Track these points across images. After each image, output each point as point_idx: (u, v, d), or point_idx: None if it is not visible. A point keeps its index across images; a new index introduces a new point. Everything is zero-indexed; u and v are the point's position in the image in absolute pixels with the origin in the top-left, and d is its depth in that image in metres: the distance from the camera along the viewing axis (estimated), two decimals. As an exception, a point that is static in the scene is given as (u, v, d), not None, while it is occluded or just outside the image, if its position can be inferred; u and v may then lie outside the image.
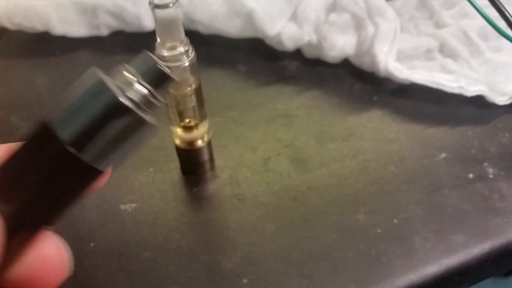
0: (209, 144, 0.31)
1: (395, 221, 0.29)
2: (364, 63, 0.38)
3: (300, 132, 0.35)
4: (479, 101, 0.36)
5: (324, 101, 0.37)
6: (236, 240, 0.28)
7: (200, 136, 0.30)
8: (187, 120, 0.29)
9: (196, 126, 0.30)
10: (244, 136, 0.35)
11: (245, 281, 0.26)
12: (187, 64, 0.27)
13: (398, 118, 0.35)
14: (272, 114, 0.36)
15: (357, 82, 0.38)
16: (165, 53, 0.26)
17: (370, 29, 0.36)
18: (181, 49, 0.26)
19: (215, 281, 0.26)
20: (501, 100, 0.36)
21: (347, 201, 0.30)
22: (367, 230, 0.29)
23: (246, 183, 0.32)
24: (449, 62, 0.37)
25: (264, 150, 0.34)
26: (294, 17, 0.38)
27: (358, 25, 0.37)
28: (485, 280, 0.93)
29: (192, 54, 0.27)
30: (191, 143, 0.30)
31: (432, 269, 0.27)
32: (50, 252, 0.18)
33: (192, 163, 0.32)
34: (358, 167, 0.32)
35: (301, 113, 0.36)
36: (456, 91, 0.35)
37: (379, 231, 0.28)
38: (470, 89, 0.35)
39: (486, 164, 0.32)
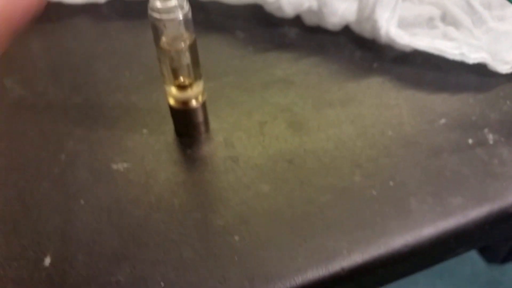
0: (203, 105, 0.31)
1: (391, 183, 0.28)
2: (365, 30, 0.37)
3: (297, 97, 0.34)
4: (481, 70, 0.35)
5: (323, 67, 0.36)
6: (229, 200, 0.28)
7: (195, 96, 0.30)
8: (181, 79, 0.29)
9: (190, 85, 0.29)
10: (240, 100, 0.34)
11: (236, 238, 0.26)
12: (181, 17, 0.26)
13: (398, 84, 0.35)
14: (269, 79, 0.35)
15: (357, 49, 0.37)
16: (159, 4, 0.25)
17: (371, -6, 0.35)
18: (175, 1, 0.26)
19: (206, 238, 0.26)
20: (503, 68, 0.35)
21: (343, 164, 0.30)
22: (362, 192, 0.28)
23: (241, 145, 0.31)
24: (451, 30, 0.36)
25: (260, 115, 0.33)
26: (294, -18, 0.38)
27: (359, -10, 0.36)
28: (481, 265, 0.92)
29: (187, 7, 0.26)
30: (185, 103, 0.30)
31: (429, 230, 0.26)
32: None
33: (186, 124, 0.31)
34: (356, 132, 0.31)
35: (300, 79, 0.35)
36: (457, 58, 0.34)
37: (374, 193, 0.28)
38: (472, 56, 0.34)
39: (486, 130, 0.31)
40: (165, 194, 0.28)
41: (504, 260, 1.07)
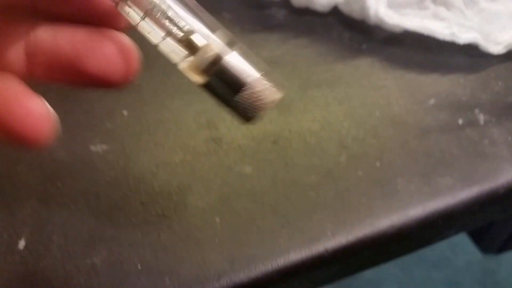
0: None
1: (378, 164, 0.27)
2: (354, 11, 0.36)
3: (284, 78, 0.33)
4: (472, 50, 0.34)
5: (311, 49, 0.35)
6: (210, 181, 0.27)
7: None
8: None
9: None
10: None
11: (217, 220, 0.25)
12: None
13: (388, 66, 0.34)
14: (255, 61, 0.34)
15: (346, 31, 0.36)
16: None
17: (360, -27, 0.35)
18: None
19: (185, 220, 0.25)
20: (495, 49, 0.34)
21: (329, 145, 0.29)
22: (348, 173, 0.27)
23: (224, 127, 0.30)
24: (441, 11, 0.35)
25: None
26: (281, -38, 0.37)
27: (348, -31, 0.35)
28: (476, 255, 0.92)
29: None
30: None
31: (416, 211, 0.25)
32: None
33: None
34: (343, 112, 0.31)
35: (286, 60, 0.34)
36: (448, 38, 0.33)
37: (360, 173, 0.27)
38: (463, 36, 0.33)
39: (477, 110, 0.30)
40: (146, 176, 0.27)
41: (499, 250, 1.07)
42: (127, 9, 0.18)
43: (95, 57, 0.18)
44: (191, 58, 0.19)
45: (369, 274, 1.02)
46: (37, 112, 0.17)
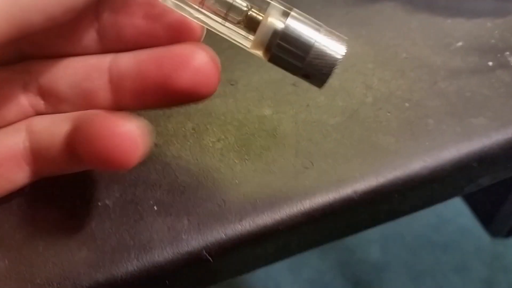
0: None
1: (407, 104, 0.26)
2: (373, -46, 0.34)
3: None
4: (499, -6, 0.32)
5: (328, -5, 0.33)
6: (227, 123, 0.25)
7: None
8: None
9: None
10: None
11: (236, 161, 0.23)
12: None
13: (411, 9, 0.32)
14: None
15: (365, -24, 0.34)
16: None
17: None
18: None
19: (203, 161, 0.23)
20: (524, -8, 0.32)
21: (353, 86, 0.27)
22: (375, 113, 0.25)
23: (241, 69, 0.28)
24: (467, -47, 0.33)
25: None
26: None
27: None
28: (485, 239, 0.90)
29: None
30: None
31: (450, 152, 0.24)
32: None
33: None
34: (366, 54, 0.29)
35: (302, 3, 0.32)
36: (475, -22, 0.31)
37: (388, 114, 0.25)
38: (491, -23, 0.31)
39: (507, 53, 0.29)
40: (158, 119, 0.26)
41: (509, 234, 1.06)
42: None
43: (184, 70, 0.18)
44: (252, 37, 0.19)
45: (375, 257, 1.01)
46: (129, 137, 0.17)
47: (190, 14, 0.18)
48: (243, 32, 0.19)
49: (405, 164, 0.23)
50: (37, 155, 0.19)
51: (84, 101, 0.19)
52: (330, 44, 0.19)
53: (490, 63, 0.28)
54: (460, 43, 0.29)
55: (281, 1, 0.19)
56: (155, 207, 0.22)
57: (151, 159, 0.24)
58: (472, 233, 1.09)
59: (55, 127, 0.18)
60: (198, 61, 0.18)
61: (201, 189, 0.22)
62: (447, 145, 0.24)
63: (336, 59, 0.18)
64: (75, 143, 0.17)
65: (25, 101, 0.19)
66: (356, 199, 0.22)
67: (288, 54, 0.18)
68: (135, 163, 0.17)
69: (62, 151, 0.18)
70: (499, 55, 0.29)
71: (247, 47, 0.19)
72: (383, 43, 0.29)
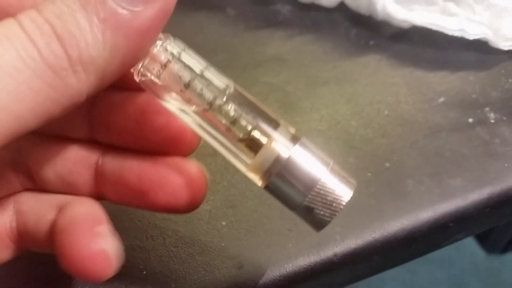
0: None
1: (387, 164, 0.27)
2: (361, 6, 0.35)
3: (290, 76, 0.32)
4: (481, 47, 0.33)
5: (318, 45, 0.35)
6: (216, 183, 0.26)
7: None
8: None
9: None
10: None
11: (223, 223, 0.25)
12: None
13: (396, 62, 0.33)
14: (261, 58, 0.34)
15: (353, 27, 0.36)
16: None
17: (367, -32, 0.34)
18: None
19: (191, 224, 0.25)
20: (505, 45, 0.33)
21: (337, 145, 0.28)
22: (357, 174, 0.26)
23: (230, 126, 0.29)
24: (451, 6, 0.34)
25: (251, 95, 0.31)
26: (286, -44, 0.36)
27: (355, -36, 0.34)
28: (480, 255, 0.91)
29: None
30: None
31: (427, 213, 0.25)
32: None
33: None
34: (351, 111, 0.30)
35: (293, 57, 0.34)
36: (457, 33, 0.33)
37: (369, 174, 0.26)
38: (472, 32, 0.33)
39: (487, 109, 0.30)
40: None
41: (504, 250, 1.07)
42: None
43: (161, 191, 0.18)
44: (252, 159, 0.17)
45: (371, 270, 1.02)
46: (102, 257, 0.17)
47: (188, 121, 0.18)
48: (243, 152, 0.17)
49: (383, 226, 0.24)
50: (23, 235, 0.19)
51: (69, 189, 0.20)
52: (336, 186, 0.17)
53: (470, 120, 0.29)
54: (442, 99, 0.30)
55: (290, 126, 0.17)
56: (144, 272, 0.23)
57: (141, 221, 0.25)
58: (468, 249, 1.10)
59: (41, 211, 0.19)
60: (176, 184, 0.18)
61: (188, 254, 0.23)
62: (424, 206, 0.25)
63: (340, 205, 0.17)
64: (55, 247, 0.18)
65: (14, 178, 0.20)
66: (336, 262, 0.24)
67: (287, 186, 0.17)
68: (106, 278, 0.17)
69: (47, 238, 0.19)
70: (479, 111, 0.30)
71: (243, 168, 0.18)
72: (367, 99, 0.30)
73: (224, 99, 0.17)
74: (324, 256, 0.23)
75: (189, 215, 0.25)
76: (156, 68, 0.17)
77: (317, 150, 0.17)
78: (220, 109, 0.17)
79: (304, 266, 0.23)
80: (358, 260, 0.24)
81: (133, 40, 0.15)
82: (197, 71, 0.17)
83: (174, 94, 0.17)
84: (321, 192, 0.16)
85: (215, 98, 0.17)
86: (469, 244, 1.10)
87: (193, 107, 0.17)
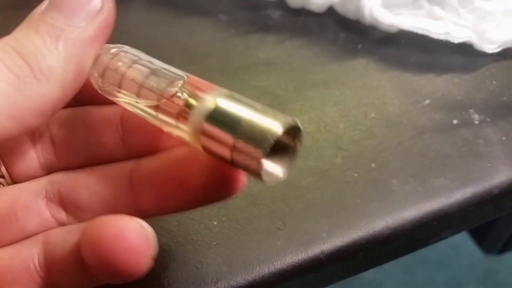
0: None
1: (373, 165, 0.28)
2: (349, 11, 0.36)
3: (280, 80, 0.33)
4: (467, 50, 0.34)
5: (307, 49, 0.35)
6: (207, 184, 0.27)
7: None
8: None
9: None
10: (222, 84, 0.33)
11: (215, 222, 0.25)
12: None
13: (383, 66, 0.34)
14: (252, 62, 0.35)
15: (341, 31, 0.36)
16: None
17: (355, -26, 0.35)
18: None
19: (183, 223, 0.25)
20: (489, 48, 0.34)
21: (324, 146, 0.29)
22: (343, 174, 0.27)
23: (221, 129, 0.30)
24: (436, 10, 0.35)
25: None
26: (276, -37, 0.37)
27: (343, -30, 0.35)
28: (478, 256, 0.92)
29: None
30: None
31: (411, 212, 0.26)
32: None
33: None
34: (338, 113, 0.31)
35: (282, 61, 0.35)
36: (442, 37, 0.34)
37: (355, 174, 0.27)
38: (457, 36, 0.33)
39: (471, 110, 0.31)
40: (143, 179, 0.28)
41: (501, 250, 1.07)
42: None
43: (201, 169, 0.18)
44: (186, 128, 0.18)
45: (370, 275, 1.02)
46: (136, 232, 0.17)
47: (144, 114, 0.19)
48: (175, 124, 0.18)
49: (368, 224, 0.25)
50: (50, 268, 0.19)
51: (104, 209, 0.20)
52: (266, 122, 0.16)
53: (455, 121, 0.30)
54: (427, 101, 0.31)
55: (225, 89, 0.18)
56: (138, 270, 0.24)
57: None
58: (465, 250, 1.11)
59: (68, 237, 0.18)
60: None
61: (181, 252, 0.24)
62: (408, 205, 0.26)
63: (269, 140, 0.15)
64: (81, 248, 0.17)
65: (46, 212, 0.20)
66: (323, 259, 0.24)
67: (218, 136, 0.16)
68: (144, 266, 0.17)
69: (74, 262, 0.18)
70: (464, 112, 0.31)
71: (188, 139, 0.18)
72: (354, 102, 0.31)
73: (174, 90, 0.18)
74: (311, 254, 0.24)
75: (181, 216, 0.26)
76: (109, 73, 0.19)
77: (244, 98, 0.17)
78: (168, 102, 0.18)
79: (292, 263, 0.24)
80: (345, 257, 0.25)
81: (82, 49, 0.18)
82: (148, 71, 0.19)
83: (127, 93, 0.19)
84: (250, 130, 0.16)
85: (164, 92, 0.18)
86: (467, 245, 1.11)
87: (146, 102, 0.18)
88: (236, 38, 0.37)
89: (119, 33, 0.38)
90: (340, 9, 0.37)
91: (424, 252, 1.11)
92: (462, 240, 1.11)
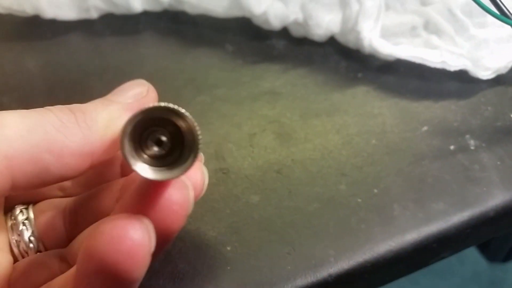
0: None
1: (375, 191, 0.29)
2: (349, 41, 0.38)
3: (285, 108, 0.35)
4: (462, 76, 0.36)
5: (310, 78, 0.37)
6: (220, 211, 0.29)
7: None
8: None
9: None
10: (230, 113, 0.35)
11: (228, 248, 0.27)
12: None
13: (382, 94, 0.36)
14: (258, 92, 0.37)
15: (342, 60, 0.38)
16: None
17: (355, 6, 0.37)
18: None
19: (199, 248, 0.27)
20: (484, 74, 0.36)
21: (329, 173, 0.31)
22: (347, 200, 0.29)
23: (231, 157, 0.32)
24: (433, 39, 0.37)
25: (249, 127, 0.34)
26: (280, -4, 0.39)
27: (343, 2, 0.37)
28: (482, 264, 0.92)
29: None
30: None
31: (411, 236, 0.27)
32: None
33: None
34: (341, 141, 0.33)
35: (287, 90, 0.37)
36: (439, 66, 0.35)
37: (359, 200, 0.29)
38: (453, 64, 0.35)
39: (467, 136, 0.32)
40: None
41: (506, 259, 1.08)
42: None
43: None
44: None
45: (374, 281, 1.03)
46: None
47: None
48: None
49: (372, 248, 0.27)
50: None
51: None
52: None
53: (452, 147, 0.32)
54: (425, 128, 0.33)
55: None
56: (158, 294, 0.25)
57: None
58: (469, 258, 1.12)
59: None
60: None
61: (198, 276, 0.26)
62: (409, 229, 0.28)
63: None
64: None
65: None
66: (330, 281, 0.26)
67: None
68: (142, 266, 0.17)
69: None
70: (460, 138, 0.32)
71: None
72: (356, 129, 0.33)
73: None
74: (320, 277, 0.26)
75: (197, 242, 0.28)
76: None
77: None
78: None
79: (302, 286, 0.26)
80: (351, 279, 0.27)
81: (124, 116, 0.21)
82: None
83: None
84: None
85: None
86: (471, 254, 1.12)
87: None
88: (243, 68, 0.39)
89: (129, 65, 0.40)
90: (340, 39, 0.39)
91: (428, 262, 1.12)
92: (467, 249, 1.12)
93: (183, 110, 0.18)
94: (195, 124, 0.19)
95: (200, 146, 0.18)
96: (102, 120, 0.20)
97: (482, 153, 0.31)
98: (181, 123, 0.19)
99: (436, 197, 0.29)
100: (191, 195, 0.20)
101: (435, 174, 0.30)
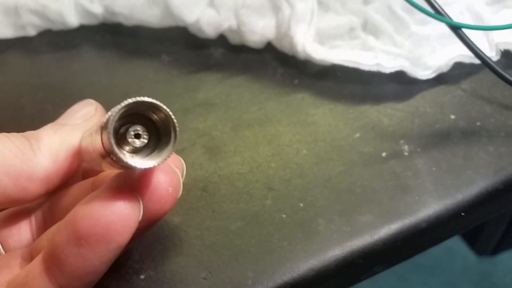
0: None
1: (301, 204, 0.28)
2: (284, 46, 0.37)
3: (217, 120, 0.34)
4: (401, 78, 0.35)
5: (246, 87, 0.36)
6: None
7: None
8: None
9: None
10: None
11: (142, 277, 0.26)
12: None
13: (318, 100, 0.34)
14: (190, 104, 0.35)
15: (280, 67, 0.37)
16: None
17: (287, 10, 0.35)
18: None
19: (112, 277, 0.26)
20: (423, 74, 0.35)
21: (256, 187, 0.29)
22: (272, 216, 0.28)
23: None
24: (370, 39, 0.36)
25: (178, 141, 0.33)
26: (212, 2, 0.37)
27: (275, 6, 0.36)
28: (471, 258, 0.91)
29: None
30: None
31: (334, 252, 0.26)
32: None
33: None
34: (271, 152, 0.31)
35: (221, 101, 0.35)
36: (373, 68, 0.34)
37: (284, 216, 0.28)
38: (388, 66, 0.34)
39: (402, 141, 0.31)
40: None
41: (494, 251, 1.07)
42: None
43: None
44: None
45: (364, 285, 1.02)
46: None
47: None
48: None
49: (292, 268, 0.25)
50: None
51: None
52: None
53: (384, 154, 0.30)
54: (357, 135, 0.32)
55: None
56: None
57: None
58: (458, 253, 1.11)
59: None
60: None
61: (107, 307, 0.25)
62: (333, 245, 0.26)
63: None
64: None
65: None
66: (248, 306, 0.25)
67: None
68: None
69: None
70: (393, 144, 0.31)
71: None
72: (287, 139, 0.32)
73: None
74: (235, 302, 0.25)
75: (111, 269, 0.26)
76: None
77: None
78: None
79: (217, 313, 0.24)
80: (270, 302, 0.25)
81: (74, 135, 0.23)
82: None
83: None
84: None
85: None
86: (460, 249, 1.11)
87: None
88: (178, 79, 0.37)
89: (62, 82, 0.38)
90: (277, 45, 0.37)
91: (417, 258, 1.11)
92: (455, 244, 1.11)
93: (153, 100, 0.19)
94: (168, 110, 0.19)
95: (178, 127, 0.20)
96: (54, 145, 0.22)
97: (417, 159, 0.30)
98: (152, 114, 0.20)
99: (364, 209, 0.27)
100: (179, 174, 0.22)
101: (364, 183, 0.29)
